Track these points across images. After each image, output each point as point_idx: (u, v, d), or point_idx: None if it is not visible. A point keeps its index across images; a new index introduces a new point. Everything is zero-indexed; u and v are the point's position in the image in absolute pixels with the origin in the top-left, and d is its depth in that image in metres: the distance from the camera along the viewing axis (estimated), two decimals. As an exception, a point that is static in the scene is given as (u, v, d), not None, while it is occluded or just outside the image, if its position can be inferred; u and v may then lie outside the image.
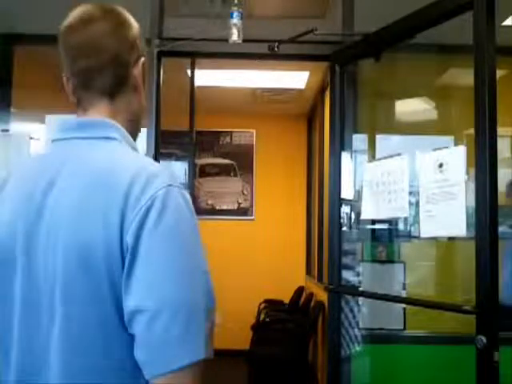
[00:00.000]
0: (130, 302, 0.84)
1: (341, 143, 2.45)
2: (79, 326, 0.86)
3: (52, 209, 0.90)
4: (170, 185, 0.89)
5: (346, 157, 2.48)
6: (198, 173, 5.70)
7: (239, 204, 5.92)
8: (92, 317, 0.86)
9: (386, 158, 2.25)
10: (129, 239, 0.85)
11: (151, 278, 0.84)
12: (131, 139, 1.02)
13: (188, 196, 0.93)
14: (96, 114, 1.00)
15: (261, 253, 5.73)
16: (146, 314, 0.83)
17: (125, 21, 1.04)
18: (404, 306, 2.58)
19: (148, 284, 0.84)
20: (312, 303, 4.73)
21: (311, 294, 4.92)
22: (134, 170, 0.90)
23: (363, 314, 2.56)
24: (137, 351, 0.85)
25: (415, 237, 2.67)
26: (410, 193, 2.09)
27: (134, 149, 1.02)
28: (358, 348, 2.47)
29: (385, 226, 2.82)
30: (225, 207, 5.85)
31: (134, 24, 1.06)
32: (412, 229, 2.71)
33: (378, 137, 2.86)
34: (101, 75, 0.99)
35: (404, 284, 2.57)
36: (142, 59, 1.04)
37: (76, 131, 0.99)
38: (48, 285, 0.88)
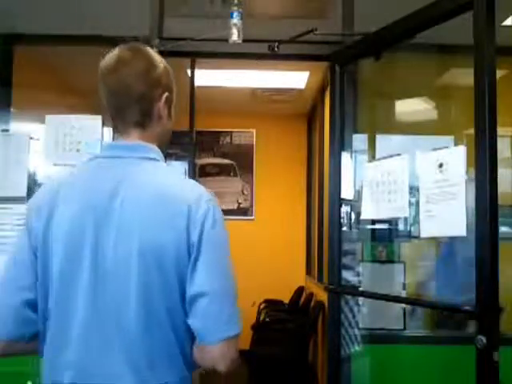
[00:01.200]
0: (193, 288, 1.13)
1: (341, 143, 2.45)
2: (154, 308, 1.12)
3: (120, 212, 1.14)
4: (211, 199, 1.21)
5: (345, 157, 2.48)
6: (198, 173, 5.70)
7: (239, 204, 5.92)
8: (163, 302, 1.13)
9: (385, 158, 2.25)
10: (194, 239, 1.14)
11: (209, 271, 1.14)
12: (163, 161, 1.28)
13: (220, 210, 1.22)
14: (131, 138, 1.26)
15: (261, 253, 5.73)
16: (206, 297, 1.13)
17: (151, 63, 1.28)
18: (404, 305, 2.58)
19: (207, 276, 1.14)
20: (312, 303, 4.73)
21: (311, 294, 4.92)
22: (189, 187, 1.22)
23: (363, 314, 2.56)
24: (195, 322, 1.14)
25: (415, 237, 2.66)
26: (410, 193, 2.09)
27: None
28: (357, 348, 2.47)
29: (385, 226, 2.82)
30: (225, 207, 5.85)
31: (160, 64, 1.29)
32: (412, 229, 2.71)
33: (378, 137, 2.86)
34: (130, 109, 1.25)
35: (404, 284, 2.57)
36: (166, 94, 1.27)
37: (121, 151, 1.24)
38: (118, 273, 1.12)
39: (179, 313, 1.15)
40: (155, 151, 1.26)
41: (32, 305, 1.16)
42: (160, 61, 1.30)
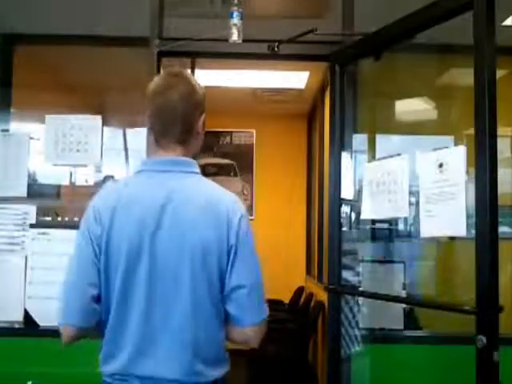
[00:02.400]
0: (233, 281, 1.38)
1: (341, 143, 2.45)
2: (200, 296, 1.36)
3: (170, 219, 1.37)
4: (243, 208, 1.44)
5: (345, 157, 2.48)
6: (198, 173, 5.71)
7: (239, 204, 5.93)
8: (206, 291, 1.37)
9: (386, 158, 2.25)
10: (232, 240, 1.38)
11: (245, 268, 1.40)
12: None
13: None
14: (175, 153, 1.47)
15: (261, 253, 5.70)
16: (244, 289, 1.39)
17: (193, 87, 1.49)
18: (404, 305, 2.58)
19: (244, 271, 1.40)
20: (312, 303, 4.73)
21: (311, 294, 4.92)
22: (228, 197, 1.44)
23: (363, 314, 2.55)
24: (234, 309, 1.40)
25: (415, 237, 2.67)
26: (410, 193, 2.09)
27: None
28: (357, 348, 2.47)
29: (385, 226, 2.82)
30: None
31: (199, 88, 1.50)
32: (412, 229, 2.71)
33: (378, 137, 2.87)
34: (174, 128, 1.46)
35: (404, 284, 2.57)
36: (203, 115, 1.50)
37: (169, 166, 1.46)
38: (170, 269, 1.36)
39: (220, 304, 1.39)
40: (195, 165, 1.48)
41: (96, 298, 1.38)
42: (199, 85, 1.52)
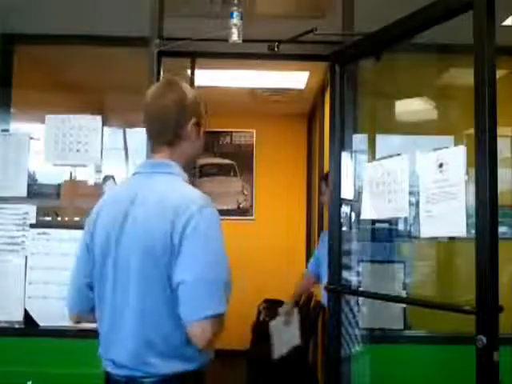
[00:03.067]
0: (176, 277, 1.41)
1: (341, 143, 2.45)
2: (152, 294, 1.44)
3: (132, 218, 1.48)
4: (202, 206, 1.46)
5: (346, 157, 2.48)
6: (198, 173, 5.70)
7: (239, 204, 5.92)
8: (160, 289, 1.43)
9: (385, 158, 2.25)
10: (176, 238, 1.42)
11: (188, 264, 1.41)
12: (185, 174, 1.60)
13: (215, 212, 1.50)
14: (161, 155, 1.60)
15: (261, 253, 5.73)
16: (185, 284, 1.40)
17: (181, 94, 1.60)
18: (404, 305, 2.58)
19: (185, 267, 1.41)
20: (312, 303, 4.72)
21: (311, 294, 4.92)
22: (181, 195, 1.50)
23: (363, 314, 2.55)
24: (179, 306, 1.41)
25: (415, 237, 2.66)
26: (410, 193, 2.09)
27: (186, 181, 1.58)
28: (358, 348, 2.47)
29: (385, 226, 2.82)
30: (225, 207, 5.85)
31: (190, 95, 1.61)
32: (412, 229, 2.71)
33: (378, 137, 2.86)
34: (162, 131, 1.60)
35: (404, 284, 2.57)
36: (193, 119, 1.60)
37: (150, 168, 1.61)
38: (126, 267, 1.46)
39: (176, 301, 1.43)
40: (175, 167, 1.58)
41: (90, 287, 1.56)
42: (191, 92, 1.63)
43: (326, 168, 3.12)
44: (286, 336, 3.60)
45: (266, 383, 4.35)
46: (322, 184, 3.47)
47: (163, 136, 1.60)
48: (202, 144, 1.69)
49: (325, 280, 3.05)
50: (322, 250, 3.39)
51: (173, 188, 1.53)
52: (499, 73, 1.78)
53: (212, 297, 1.42)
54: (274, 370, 4.22)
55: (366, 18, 2.41)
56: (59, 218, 2.70)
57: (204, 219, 1.45)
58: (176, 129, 1.59)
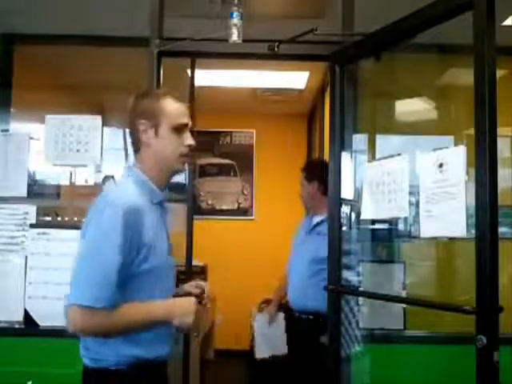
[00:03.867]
0: None
1: (341, 143, 2.45)
2: None
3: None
4: (106, 205, 1.52)
5: (346, 157, 2.48)
6: (198, 173, 5.70)
7: (239, 204, 5.92)
8: None
9: (386, 158, 2.25)
10: (82, 233, 1.57)
11: (77, 256, 1.54)
12: (141, 176, 1.64)
13: (116, 213, 1.49)
14: (133, 162, 1.70)
15: (261, 253, 5.72)
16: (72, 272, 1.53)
17: (139, 99, 1.67)
18: (404, 305, 2.58)
19: (76, 259, 1.54)
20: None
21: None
22: (103, 195, 1.60)
23: (363, 314, 2.55)
24: None
25: (415, 237, 2.66)
26: (410, 193, 2.09)
27: (138, 182, 1.63)
28: (358, 348, 2.47)
29: (385, 226, 2.82)
30: (225, 207, 5.85)
31: (151, 99, 1.66)
32: (412, 229, 2.71)
33: (378, 137, 2.86)
34: (131, 142, 1.69)
35: (404, 284, 2.57)
36: (142, 121, 1.62)
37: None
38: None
39: None
40: (131, 170, 1.67)
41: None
42: (156, 96, 1.67)
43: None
44: (270, 339, 3.38)
45: (265, 383, 4.35)
46: (301, 176, 3.32)
47: (131, 145, 1.70)
48: (174, 141, 1.66)
49: (294, 277, 3.12)
50: (293, 239, 3.35)
51: (108, 188, 1.70)
52: (499, 73, 1.78)
53: (77, 287, 1.49)
54: (274, 369, 4.22)
55: (365, 18, 2.41)
56: (59, 218, 2.70)
57: (100, 217, 1.51)
58: (133, 135, 1.67)
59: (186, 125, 1.69)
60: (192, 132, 1.71)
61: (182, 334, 1.70)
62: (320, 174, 3.09)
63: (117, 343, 1.53)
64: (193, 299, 1.62)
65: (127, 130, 1.69)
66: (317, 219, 3.12)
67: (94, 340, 1.55)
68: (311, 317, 2.94)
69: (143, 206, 1.57)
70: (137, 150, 1.68)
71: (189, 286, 1.82)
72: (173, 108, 1.66)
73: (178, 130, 1.65)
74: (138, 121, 1.63)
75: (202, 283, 1.82)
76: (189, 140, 1.68)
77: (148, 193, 1.64)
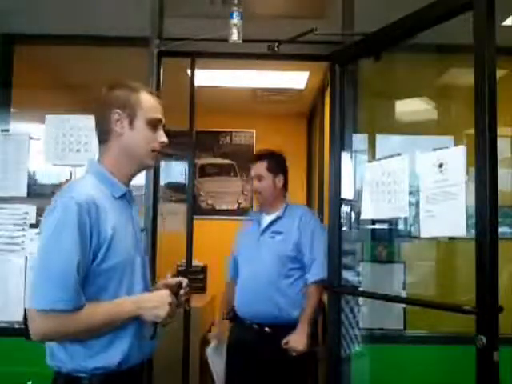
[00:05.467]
0: None
1: (341, 143, 2.45)
2: None
3: None
4: (60, 203, 1.45)
5: (346, 157, 2.48)
6: (198, 173, 5.70)
7: (239, 204, 5.92)
8: None
9: (386, 158, 2.25)
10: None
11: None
12: (101, 170, 1.59)
13: (68, 208, 1.43)
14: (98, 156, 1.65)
15: (261, 253, 5.71)
16: None
17: (111, 87, 1.61)
18: (404, 305, 2.58)
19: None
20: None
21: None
22: (60, 192, 1.53)
23: (363, 314, 2.55)
24: None
25: (415, 237, 2.66)
26: (410, 193, 2.09)
27: (99, 176, 1.58)
28: (358, 348, 2.47)
29: (385, 226, 2.82)
30: (225, 207, 5.85)
31: (124, 88, 1.61)
32: (412, 229, 2.71)
33: (378, 137, 2.86)
34: (97, 132, 1.63)
35: (404, 284, 2.57)
36: (116, 111, 1.57)
37: None
38: None
39: None
40: (91, 165, 1.63)
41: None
42: (122, 85, 1.61)
43: (327, 168, 3.11)
44: (222, 367, 2.82)
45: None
46: (258, 167, 2.82)
47: (98, 136, 1.64)
48: (148, 135, 1.62)
49: (256, 286, 2.65)
50: (238, 243, 2.94)
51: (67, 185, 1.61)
52: (499, 73, 1.78)
53: (35, 289, 1.41)
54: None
55: (366, 18, 2.42)
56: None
57: (54, 214, 1.44)
58: (100, 124, 1.61)
59: (161, 121, 1.66)
60: (167, 133, 1.68)
61: (163, 327, 1.63)
62: (285, 167, 2.86)
63: (78, 353, 1.47)
64: (166, 291, 1.57)
65: (95, 119, 1.63)
66: (270, 217, 2.78)
67: (58, 346, 1.49)
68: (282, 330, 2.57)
69: (102, 201, 1.51)
70: (104, 141, 1.61)
71: (166, 280, 1.75)
72: (149, 102, 1.63)
73: (153, 124, 1.62)
74: (113, 110, 1.57)
75: (180, 278, 1.73)
76: (162, 137, 1.65)
77: (109, 187, 1.58)
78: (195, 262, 3.86)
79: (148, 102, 1.62)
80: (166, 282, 1.73)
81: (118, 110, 1.58)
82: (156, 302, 1.53)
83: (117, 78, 1.64)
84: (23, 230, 2.52)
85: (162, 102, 1.69)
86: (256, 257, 2.71)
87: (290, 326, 2.58)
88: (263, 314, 2.62)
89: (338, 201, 2.43)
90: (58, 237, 1.41)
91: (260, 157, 2.85)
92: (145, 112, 1.60)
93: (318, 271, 2.61)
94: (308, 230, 2.70)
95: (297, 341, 2.55)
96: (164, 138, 1.65)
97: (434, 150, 1.96)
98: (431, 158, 1.95)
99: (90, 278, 1.46)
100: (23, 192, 2.56)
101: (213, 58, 2.99)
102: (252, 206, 5.92)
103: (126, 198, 1.63)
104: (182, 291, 1.69)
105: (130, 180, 1.65)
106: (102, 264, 1.47)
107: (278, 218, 2.76)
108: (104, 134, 1.61)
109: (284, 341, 2.55)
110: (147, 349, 1.63)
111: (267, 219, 2.80)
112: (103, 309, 1.47)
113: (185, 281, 1.72)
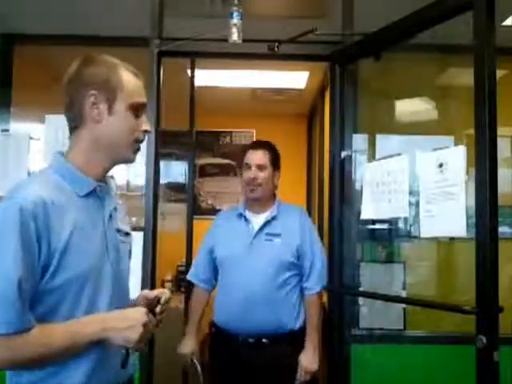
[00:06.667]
0: None
1: (341, 143, 2.45)
2: None
3: None
4: (3, 202, 1.19)
5: (345, 157, 2.48)
6: (198, 173, 5.70)
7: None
8: None
9: (386, 158, 2.25)
10: None
11: None
12: (63, 163, 1.32)
13: (14, 213, 1.15)
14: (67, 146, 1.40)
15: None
16: None
17: (84, 64, 1.33)
18: (404, 305, 2.58)
19: None
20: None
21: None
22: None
23: (363, 314, 2.55)
24: None
25: (415, 237, 2.66)
26: (410, 193, 2.09)
27: (59, 170, 1.31)
28: (358, 348, 2.47)
29: (385, 226, 2.82)
30: (225, 207, 5.85)
31: (99, 65, 1.33)
32: (412, 229, 2.71)
33: (378, 137, 2.86)
34: (67, 117, 1.37)
35: (404, 284, 2.57)
36: (92, 92, 1.31)
37: None
38: None
39: None
40: (53, 157, 1.36)
41: None
42: (99, 61, 1.34)
43: (327, 168, 3.11)
44: None
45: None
46: (260, 155, 2.61)
47: (68, 122, 1.37)
48: (131, 123, 1.35)
49: (251, 294, 2.33)
50: (217, 240, 2.55)
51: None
52: (499, 73, 1.78)
53: None
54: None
55: (365, 18, 2.41)
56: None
57: None
58: (71, 108, 1.33)
59: (145, 106, 1.40)
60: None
61: (136, 352, 1.36)
62: (280, 165, 2.64)
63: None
64: (142, 309, 1.29)
65: (65, 101, 1.34)
66: (263, 217, 2.48)
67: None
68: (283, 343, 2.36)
69: (58, 202, 1.23)
70: (75, 128, 1.34)
71: (147, 293, 1.48)
72: (132, 82, 1.36)
73: (136, 110, 1.35)
74: (87, 91, 1.30)
75: (162, 290, 1.46)
76: (146, 125, 1.38)
77: (72, 183, 1.30)
78: (195, 262, 3.86)
79: (130, 82, 1.35)
80: (145, 295, 1.47)
81: (93, 92, 1.31)
82: (129, 322, 1.24)
83: (92, 52, 1.37)
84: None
85: (143, 82, 1.42)
86: (248, 262, 2.37)
87: (289, 336, 2.37)
88: (261, 328, 2.33)
89: (338, 201, 2.42)
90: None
91: (263, 145, 2.60)
92: (127, 94, 1.34)
93: (319, 279, 2.42)
94: (307, 233, 2.46)
95: (310, 360, 2.37)
96: (148, 126, 1.39)
97: (434, 149, 1.96)
98: (431, 157, 1.95)
99: (39, 295, 1.20)
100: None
101: (213, 57, 2.98)
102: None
103: (97, 194, 1.35)
104: (158, 308, 1.38)
105: (103, 175, 1.39)
106: (55, 278, 1.20)
107: (273, 218, 2.46)
108: (75, 120, 1.34)
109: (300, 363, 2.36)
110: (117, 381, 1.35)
111: (259, 219, 2.47)
112: (62, 329, 1.21)
113: (164, 295, 1.42)
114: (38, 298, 1.20)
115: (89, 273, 1.26)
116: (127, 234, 1.47)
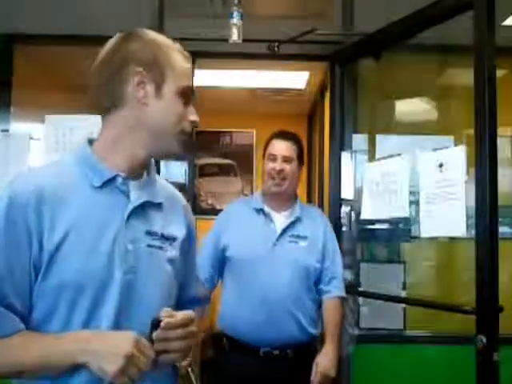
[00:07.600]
0: None
1: (341, 143, 2.45)
2: None
3: None
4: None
5: (345, 157, 2.48)
6: (198, 173, 5.70)
7: (239, 204, 5.92)
8: None
9: (386, 158, 2.25)
10: None
11: None
12: (84, 150, 1.16)
13: (2, 202, 1.02)
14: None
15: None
16: None
17: (129, 44, 1.16)
18: (404, 305, 2.58)
19: None
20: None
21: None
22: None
23: (363, 314, 2.55)
24: None
25: (415, 237, 2.67)
26: (410, 193, 2.09)
27: (77, 158, 1.16)
28: (358, 348, 2.47)
29: (385, 226, 2.82)
30: (225, 207, 5.85)
31: (150, 47, 1.15)
32: (412, 229, 2.71)
33: (378, 137, 2.86)
34: (96, 95, 1.17)
35: (404, 284, 2.57)
36: (140, 72, 1.10)
37: None
38: None
39: None
40: (82, 147, 1.19)
41: None
42: (147, 36, 1.16)
43: (327, 168, 3.11)
44: None
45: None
46: (289, 146, 2.24)
47: (100, 103, 1.17)
48: (180, 110, 1.15)
49: (254, 298, 2.10)
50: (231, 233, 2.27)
51: None
52: (499, 73, 1.79)
53: None
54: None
55: (365, 18, 2.42)
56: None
57: None
58: (114, 87, 1.12)
59: (194, 92, 1.19)
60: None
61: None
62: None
63: None
64: (130, 335, 0.98)
65: (98, 79, 1.15)
66: (287, 216, 2.23)
67: None
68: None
69: (63, 192, 1.06)
70: (111, 109, 1.14)
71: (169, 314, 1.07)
72: (182, 64, 1.17)
73: (185, 96, 1.15)
74: (133, 68, 1.10)
75: (163, 314, 1.04)
76: (194, 115, 1.17)
77: (88, 171, 1.11)
78: (195, 262, 3.86)
79: (181, 63, 1.16)
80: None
81: (140, 69, 1.10)
82: (110, 348, 0.96)
83: (133, 28, 1.18)
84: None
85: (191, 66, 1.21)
86: (271, 265, 2.12)
87: (304, 347, 2.14)
88: (285, 339, 2.09)
89: (338, 201, 2.42)
90: None
91: (290, 136, 2.28)
92: (177, 77, 1.13)
93: (342, 284, 2.24)
94: (332, 238, 2.27)
95: (327, 366, 2.08)
96: (196, 117, 1.18)
97: (434, 149, 1.96)
98: (431, 157, 1.95)
99: (35, 297, 1.04)
100: (23, 192, 2.54)
101: (213, 57, 2.99)
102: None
103: (117, 186, 1.11)
104: (155, 334, 1.00)
105: (136, 168, 1.15)
106: (46, 280, 1.03)
107: (298, 218, 2.21)
108: (112, 101, 1.12)
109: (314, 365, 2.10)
110: None
111: (280, 217, 2.22)
112: (43, 341, 1.01)
113: (166, 320, 1.02)
114: (34, 302, 1.04)
115: (85, 281, 1.03)
116: (172, 238, 1.19)
